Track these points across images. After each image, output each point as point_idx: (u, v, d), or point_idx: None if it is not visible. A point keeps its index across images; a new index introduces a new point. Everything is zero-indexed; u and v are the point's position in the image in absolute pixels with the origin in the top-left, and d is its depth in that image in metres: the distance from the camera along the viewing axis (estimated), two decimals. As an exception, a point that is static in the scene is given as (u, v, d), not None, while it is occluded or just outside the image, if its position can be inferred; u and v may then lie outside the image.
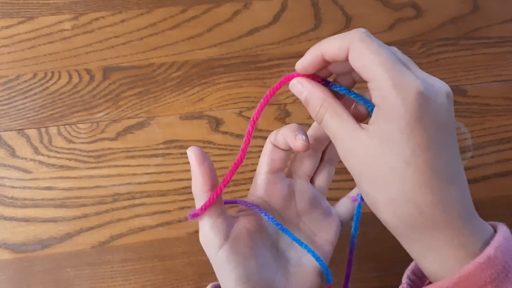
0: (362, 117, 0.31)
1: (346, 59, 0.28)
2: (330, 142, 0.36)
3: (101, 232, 0.48)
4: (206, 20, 0.56)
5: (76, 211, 0.48)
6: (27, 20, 0.54)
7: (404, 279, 0.34)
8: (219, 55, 0.55)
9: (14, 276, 0.46)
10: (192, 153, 0.31)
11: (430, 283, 0.32)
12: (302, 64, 0.31)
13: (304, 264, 0.34)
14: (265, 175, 0.34)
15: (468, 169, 0.52)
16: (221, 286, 0.32)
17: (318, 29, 0.57)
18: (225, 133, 0.52)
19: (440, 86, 0.27)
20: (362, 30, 0.28)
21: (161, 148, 0.51)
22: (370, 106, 0.30)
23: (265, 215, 0.33)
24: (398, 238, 0.29)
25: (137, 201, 0.48)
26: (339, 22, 0.57)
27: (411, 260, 0.48)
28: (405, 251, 0.49)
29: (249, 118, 0.52)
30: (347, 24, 0.57)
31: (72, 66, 0.53)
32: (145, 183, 0.49)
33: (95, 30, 0.55)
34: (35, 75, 0.52)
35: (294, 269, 0.34)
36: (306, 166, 0.36)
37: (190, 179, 0.49)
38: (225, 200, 0.34)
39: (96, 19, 0.55)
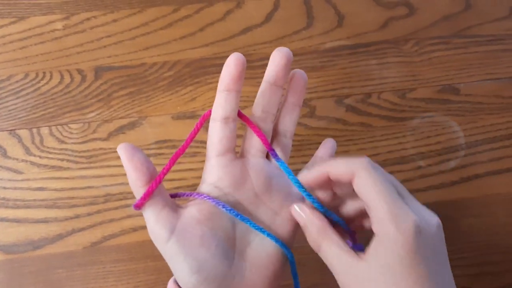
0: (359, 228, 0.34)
1: (349, 183, 0.30)
2: (281, 111, 0.36)
3: (93, 232, 0.47)
4: (198, 19, 0.56)
5: (67, 212, 0.48)
6: (18, 20, 0.54)
7: None
8: (211, 55, 0.55)
9: (5, 277, 0.46)
10: (121, 150, 0.31)
11: None
12: (306, 178, 0.33)
13: (266, 246, 0.34)
14: (215, 159, 0.34)
15: (461, 168, 0.52)
16: (176, 278, 0.32)
17: (310, 27, 0.57)
18: (217, 132, 0.52)
19: (432, 219, 0.30)
20: (367, 159, 0.31)
21: (153, 148, 0.50)
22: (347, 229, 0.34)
23: (215, 202, 0.32)
24: None
25: (129, 201, 0.48)
26: (331, 21, 0.57)
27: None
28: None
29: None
30: (340, 23, 0.57)
31: (63, 66, 0.53)
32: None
33: (86, 30, 0.55)
34: (26, 75, 0.52)
35: (255, 252, 0.33)
36: (258, 142, 0.35)
37: (183, 179, 0.50)
38: (170, 194, 0.34)
39: (88, 18, 0.55)
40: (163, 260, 0.47)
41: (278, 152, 0.36)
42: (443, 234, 0.31)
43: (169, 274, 0.46)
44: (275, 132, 0.36)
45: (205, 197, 0.32)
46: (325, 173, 0.32)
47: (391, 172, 0.51)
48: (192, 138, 0.34)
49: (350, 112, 0.53)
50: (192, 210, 0.32)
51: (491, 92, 0.55)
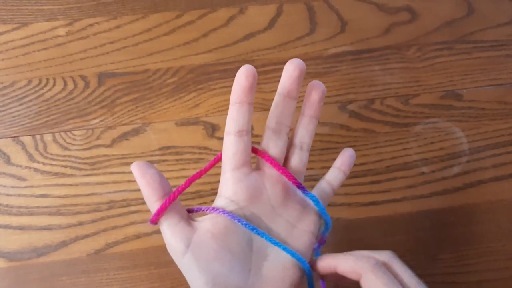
0: None
1: (356, 279, 0.31)
2: (298, 124, 0.36)
3: (96, 239, 0.47)
4: (201, 25, 0.56)
5: (71, 219, 0.48)
6: (21, 26, 0.54)
7: None
8: (214, 61, 0.55)
9: (9, 284, 0.46)
10: (135, 167, 0.31)
11: None
12: (316, 266, 0.34)
13: (283, 259, 0.33)
14: (230, 173, 0.33)
15: (464, 174, 0.52)
16: None
17: (313, 33, 0.57)
18: (221, 138, 0.51)
19: None
20: (374, 261, 0.31)
21: (157, 155, 0.50)
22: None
23: (230, 216, 0.32)
24: None
25: (132, 208, 0.48)
26: (335, 27, 0.57)
27: (409, 266, 0.48)
28: (401, 256, 0.49)
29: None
30: (343, 29, 0.57)
31: (67, 73, 0.53)
32: (140, 190, 0.49)
33: (89, 36, 0.55)
34: (29, 81, 0.52)
35: (272, 265, 0.33)
36: (272, 153, 0.34)
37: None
38: (187, 209, 0.34)
39: (91, 25, 0.55)
40: (167, 267, 0.47)
41: (295, 164, 0.35)
42: None
43: (173, 281, 0.47)
44: (291, 144, 0.36)
45: (220, 211, 0.32)
46: (333, 266, 0.32)
47: (394, 178, 0.51)
48: (212, 165, 0.34)
49: (353, 118, 0.53)
50: (208, 225, 0.32)
51: (494, 98, 0.55)
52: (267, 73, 0.55)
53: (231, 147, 0.33)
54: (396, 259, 0.31)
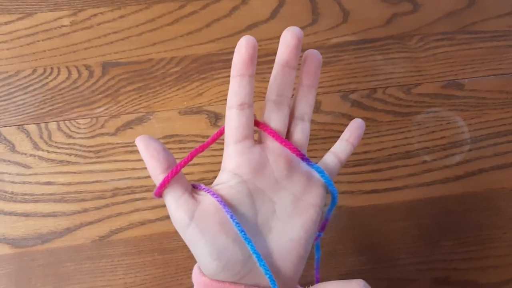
0: None
1: None
2: (297, 95, 0.35)
3: (101, 226, 0.48)
4: (204, 15, 0.57)
5: (76, 206, 0.48)
6: (26, 16, 0.55)
7: None
8: (217, 50, 0.55)
9: (14, 270, 0.46)
10: (139, 141, 0.31)
11: None
12: None
13: (288, 231, 0.33)
14: (233, 146, 0.33)
15: (466, 163, 0.52)
16: (198, 262, 0.32)
17: (315, 24, 0.57)
18: (224, 127, 0.52)
19: None
20: (362, 284, 0.30)
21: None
22: None
23: (226, 211, 0.32)
24: None
25: (137, 196, 0.49)
26: (336, 17, 0.58)
27: (409, 252, 0.49)
28: (402, 243, 0.50)
29: (247, 112, 0.52)
30: (345, 19, 0.58)
31: (71, 62, 0.53)
32: (144, 177, 0.49)
33: (94, 26, 0.55)
34: (34, 71, 0.53)
35: (277, 238, 0.33)
36: (274, 126, 0.34)
37: (190, 173, 0.50)
38: (192, 184, 0.34)
39: (95, 15, 0.55)
40: (171, 253, 0.48)
41: (298, 136, 0.35)
42: None
43: (177, 267, 0.47)
44: (292, 117, 0.35)
45: (219, 200, 0.32)
46: None
47: (395, 167, 0.52)
48: (214, 139, 0.34)
49: (355, 107, 0.54)
50: (211, 198, 0.32)
51: (496, 88, 0.56)
52: (270, 63, 0.55)
53: (233, 120, 0.33)
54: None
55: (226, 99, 0.52)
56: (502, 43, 0.58)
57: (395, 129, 0.53)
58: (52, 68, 0.53)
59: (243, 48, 0.31)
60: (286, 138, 0.35)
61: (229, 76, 0.53)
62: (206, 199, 0.32)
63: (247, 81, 0.32)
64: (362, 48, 0.56)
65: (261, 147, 0.34)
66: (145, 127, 0.51)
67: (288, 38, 0.32)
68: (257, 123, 0.34)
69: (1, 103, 0.51)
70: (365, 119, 0.53)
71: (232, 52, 0.55)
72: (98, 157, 0.50)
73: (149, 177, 0.49)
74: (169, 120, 0.52)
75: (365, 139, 0.52)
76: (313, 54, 0.34)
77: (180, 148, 0.51)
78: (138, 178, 0.49)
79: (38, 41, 0.54)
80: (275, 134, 0.33)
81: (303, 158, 0.34)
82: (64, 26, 0.55)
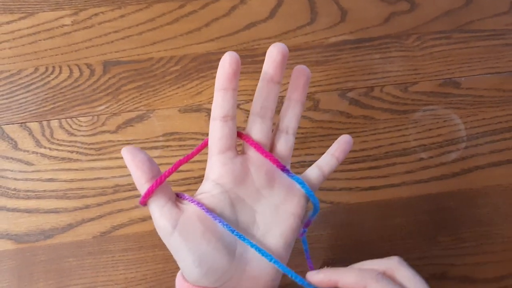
0: None
1: None
2: (283, 108, 0.36)
3: (102, 222, 0.49)
4: (204, 15, 0.57)
5: (77, 202, 0.49)
6: (28, 15, 0.55)
7: None
8: (216, 49, 0.56)
9: (17, 266, 0.47)
10: (125, 151, 0.32)
11: None
12: (314, 279, 0.33)
13: (267, 243, 0.34)
14: (216, 157, 0.34)
15: (462, 160, 0.53)
16: (181, 269, 0.33)
17: (314, 23, 0.58)
18: (223, 125, 0.53)
19: None
20: (377, 272, 0.31)
21: (161, 141, 0.52)
22: None
23: (212, 216, 0.33)
24: None
25: (137, 192, 0.49)
26: (335, 16, 0.58)
27: (406, 248, 0.49)
28: (400, 239, 0.51)
29: (247, 110, 0.53)
30: (343, 18, 0.58)
31: (72, 61, 0.54)
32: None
33: (95, 25, 0.56)
34: (36, 69, 0.53)
35: (257, 245, 0.34)
36: (256, 137, 0.35)
37: (189, 170, 0.51)
38: (176, 193, 0.35)
39: (96, 14, 0.56)
40: (171, 249, 0.48)
41: (281, 148, 0.36)
42: None
43: (177, 263, 0.48)
44: (277, 129, 0.36)
45: (204, 209, 0.33)
46: (334, 281, 0.32)
47: (393, 164, 0.52)
48: (199, 150, 0.35)
49: (353, 105, 0.54)
50: (194, 207, 0.33)
51: (492, 86, 0.56)
52: (269, 62, 0.56)
53: (217, 132, 0.34)
54: (403, 265, 0.32)
55: (225, 97, 0.53)
56: (499, 41, 0.59)
57: (392, 127, 0.54)
58: (53, 67, 0.54)
59: (227, 63, 0.32)
60: (270, 149, 0.36)
61: (228, 74, 0.54)
62: (189, 207, 0.33)
63: (231, 95, 0.33)
64: (360, 47, 0.57)
65: (243, 157, 0.35)
66: (145, 125, 0.52)
67: (274, 54, 0.33)
68: (240, 135, 0.35)
69: (4, 101, 0.52)
70: (362, 117, 0.54)
71: (232, 51, 0.56)
72: (100, 154, 0.51)
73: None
74: (169, 118, 0.53)
75: (363, 137, 0.53)
76: (302, 70, 0.36)
77: (180, 146, 0.52)
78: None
79: (40, 40, 0.55)
80: (256, 146, 0.35)
81: (284, 169, 0.35)
82: (66, 25, 0.55)
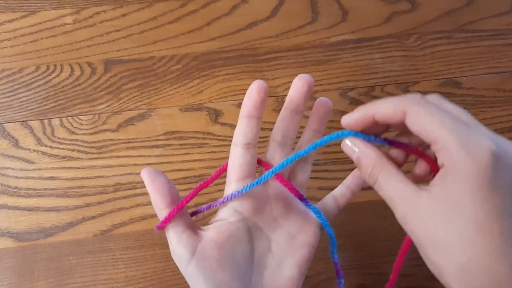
0: (421, 178, 0.31)
1: (401, 123, 0.28)
2: (303, 137, 0.36)
3: (102, 221, 0.49)
4: (205, 14, 0.57)
5: (78, 201, 0.49)
6: (29, 14, 0.56)
7: None
8: (218, 48, 0.56)
9: (17, 264, 0.47)
10: (144, 174, 0.32)
11: None
12: (348, 121, 0.31)
13: (282, 269, 0.34)
14: (235, 183, 0.34)
15: (463, 159, 0.53)
16: None
17: (315, 22, 0.58)
18: (224, 124, 0.53)
19: (510, 146, 0.26)
20: (418, 95, 0.28)
21: (162, 139, 0.52)
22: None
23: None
24: None
25: (138, 191, 0.49)
26: (336, 16, 0.58)
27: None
28: (400, 239, 0.50)
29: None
30: (344, 18, 0.58)
31: (74, 59, 0.54)
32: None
33: (96, 24, 0.56)
34: (37, 68, 0.53)
35: (271, 275, 0.34)
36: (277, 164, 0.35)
37: (190, 169, 0.51)
38: (191, 212, 0.35)
39: (97, 13, 0.56)
40: (171, 248, 0.48)
41: (298, 176, 0.36)
42: None
43: (177, 261, 0.48)
44: None
45: (222, 202, 0.33)
46: (370, 115, 0.29)
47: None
48: (218, 175, 0.35)
49: (354, 105, 0.54)
50: (212, 234, 0.33)
51: (493, 86, 0.56)
52: (269, 61, 0.56)
53: (238, 158, 0.33)
54: (441, 98, 0.29)
55: (226, 96, 0.54)
56: (500, 41, 0.59)
57: (393, 127, 0.54)
58: (55, 66, 0.54)
59: (255, 91, 0.32)
60: (288, 176, 0.36)
61: (229, 73, 0.55)
62: (207, 234, 0.33)
63: (255, 123, 0.33)
64: (361, 47, 0.57)
65: (262, 185, 0.35)
66: (146, 123, 0.52)
67: (300, 85, 0.33)
68: (259, 162, 0.35)
69: (5, 100, 0.52)
70: (363, 116, 0.54)
71: (233, 50, 0.56)
72: (100, 153, 0.51)
73: (150, 172, 0.50)
74: (170, 117, 0.53)
75: (363, 136, 0.53)
76: (324, 102, 0.36)
77: (181, 145, 0.52)
78: (140, 173, 0.50)
79: (42, 38, 0.55)
80: (277, 174, 0.34)
81: (302, 199, 0.35)
82: (67, 24, 0.56)
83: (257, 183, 0.32)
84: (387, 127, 0.32)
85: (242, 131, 0.33)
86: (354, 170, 0.38)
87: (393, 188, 0.28)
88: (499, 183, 0.25)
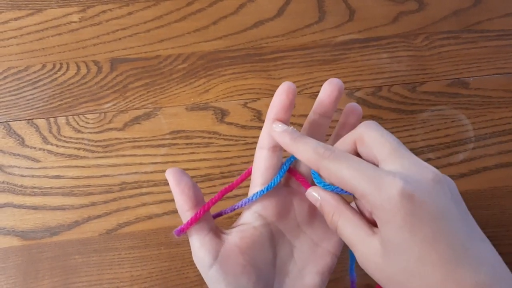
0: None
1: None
2: (331, 142, 0.36)
3: (108, 220, 0.48)
4: (211, 12, 0.57)
5: (84, 200, 0.49)
6: (35, 12, 0.55)
7: None
8: (224, 47, 0.56)
9: (23, 262, 0.47)
10: (170, 174, 0.31)
11: None
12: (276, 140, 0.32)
13: (303, 276, 0.34)
14: (260, 187, 0.33)
15: (470, 160, 0.53)
16: None
17: (322, 21, 0.58)
18: (230, 124, 0.52)
19: (426, 174, 0.27)
20: (335, 148, 0.29)
21: (168, 139, 0.51)
22: None
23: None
24: None
25: (144, 190, 0.49)
26: (343, 15, 0.58)
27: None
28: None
29: (254, 109, 0.53)
30: (351, 17, 0.58)
31: (80, 58, 0.54)
32: (151, 172, 0.50)
33: (102, 23, 0.56)
34: (43, 66, 0.53)
35: (293, 282, 0.34)
36: (302, 171, 0.35)
37: (196, 168, 0.51)
38: (214, 214, 0.34)
39: (104, 11, 0.56)
40: (177, 247, 0.48)
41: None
42: (446, 187, 0.28)
43: (183, 261, 0.48)
44: None
45: (245, 203, 0.33)
46: (291, 151, 0.31)
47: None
48: (242, 179, 0.34)
49: (361, 105, 0.54)
50: (235, 238, 0.32)
51: (501, 86, 0.56)
52: (276, 60, 0.55)
53: (264, 161, 0.33)
54: (371, 127, 0.30)
55: (232, 96, 0.53)
56: (508, 42, 0.58)
57: (400, 127, 0.53)
58: (61, 64, 0.54)
59: (284, 93, 0.32)
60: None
61: (235, 73, 0.54)
62: (230, 238, 0.32)
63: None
64: (368, 46, 0.57)
65: (287, 190, 0.35)
66: (152, 122, 0.52)
67: (330, 89, 0.33)
68: (291, 171, 0.34)
69: (11, 98, 0.52)
70: (370, 116, 0.54)
71: (239, 49, 0.56)
72: (106, 152, 0.51)
73: (156, 171, 0.50)
74: (176, 116, 0.52)
75: (370, 137, 0.53)
76: (356, 109, 0.36)
77: (187, 144, 0.51)
78: (145, 173, 0.50)
79: (48, 36, 0.55)
80: (302, 180, 0.34)
81: None
82: (73, 22, 0.55)
83: (279, 178, 0.32)
84: None
85: (269, 133, 0.33)
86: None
87: (351, 234, 0.29)
88: (420, 214, 0.26)
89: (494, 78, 0.56)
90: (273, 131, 0.32)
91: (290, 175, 0.35)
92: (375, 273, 0.28)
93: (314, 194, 0.32)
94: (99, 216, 0.49)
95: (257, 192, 0.33)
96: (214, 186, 0.50)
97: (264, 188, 0.32)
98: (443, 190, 0.27)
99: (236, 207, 0.34)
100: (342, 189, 0.31)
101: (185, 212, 0.31)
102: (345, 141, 0.31)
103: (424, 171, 0.28)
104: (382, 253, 0.27)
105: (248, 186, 0.35)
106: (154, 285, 0.47)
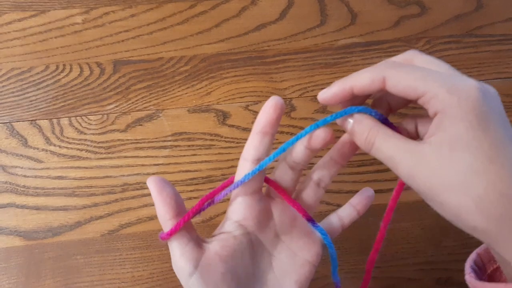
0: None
1: (380, 91, 0.29)
2: (321, 162, 0.35)
3: (110, 220, 0.49)
4: (214, 15, 0.57)
5: (86, 200, 0.49)
6: (39, 13, 0.56)
7: (467, 270, 0.33)
8: (226, 50, 0.56)
9: (25, 262, 0.47)
10: (151, 183, 0.31)
11: (493, 271, 0.33)
12: (325, 96, 0.31)
13: (283, 286, 0.34)
14: (242, 197, 0.33)
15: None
16: None
17: (324, 25, 0.58)
18: (232, 126, 0.53)
19: (489, 86, 0.28)
20: (390, 60, 0.30)
21: (169, 140, 0.52)
22: None
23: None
24: (492, 245, 0.27)
25: (145, 191, 0.50)
26: (345, 19, 0.58)
27: (412, 252, 0.49)
28: (406, 243, 0.50)
29: (255, 112, 0.53)
30: (353, 21, 0.58)
31: (83, 59, 0.54)
32: (153, 174, 0.50)
33: (105, 24, 0.56)
34: (47, 67, 0.54)
35: None
36: (285, 185, 0.34)
37: (197, 170, 0.51)
38: (193, 209, 0.33)
39: (107, 13, 0.56)
40: (178, 249, 0.49)
41: (309, 198, 0.35)
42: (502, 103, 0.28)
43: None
44: (309, 177, 0.35)
45: (238, 184, 0.32)
46: (348, 89, 0.30)
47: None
48: (224, 187, 0.34)
49: (361, 108, 0.54)
50: (216, 247, 0.32)
51: (502, 91, 0.56)
52: (278, 63, 0.56)
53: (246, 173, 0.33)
54: (420, 53, 0.30)
55: (234, 98, 0.54)
56: (509, 46, 0.59)
57: (400, 131, 0.54)
58: (64, 65, 0.54)
59: (271, 108, 0.31)
60: (297, 195, 0.35)
61: (237, 75, 0.55)
62: (211, 247, 0.32)
63: (269, 140, 0.32)
64: (369, 50, 0.57)
65: (268, 201, 0.34)
66: (154, 124, 0.52)
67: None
68: (267, 180, 0.34)
69: (14, 99, 0.52)
70: (371, 120, 0.54)
71: (241, 52, 0.57)
72: (109, 153, 0.51)
73: (157, 173, 0.50)
74: (178, 118, 0.53)
75: (371, 140, 0.53)
76: (350, 141, 0.35)
77: (189, 146, 0.52)
78: (147, 174, 0.50)
79: (51, 38, 0.55)
80: (284, 194, 0.34)
81: (309, 219, 0.35)
82: (77, 23, 0.56)
83: (272, 158, 0.32)
84: (365, 97, 0.33)
85: (254, 146, 0.32)
86: (361, 190, 0.38)
87: (393, 146, 0.29)
88: (493, 114, 0.26)
89: (495, 83, 0.57)
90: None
91: (272, 188, 0.35)
92: (426, 182, 0.27)
93: (348, 119, 0.31)
94: (101, 217, 0.49)
95: (249, 173, 0.32)
96: (215, 187, 0.50)
97: (256, 168, 0.32)
98: (502, 105, 0.28)
99: (229, 191, 0.33)
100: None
101: (167, 221, 0.31)
102: (384, 61, 0.30)
103: (486, 84, 0.28)
104: (439, 156, 0.27)
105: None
106: (156, 285, 0.47)
